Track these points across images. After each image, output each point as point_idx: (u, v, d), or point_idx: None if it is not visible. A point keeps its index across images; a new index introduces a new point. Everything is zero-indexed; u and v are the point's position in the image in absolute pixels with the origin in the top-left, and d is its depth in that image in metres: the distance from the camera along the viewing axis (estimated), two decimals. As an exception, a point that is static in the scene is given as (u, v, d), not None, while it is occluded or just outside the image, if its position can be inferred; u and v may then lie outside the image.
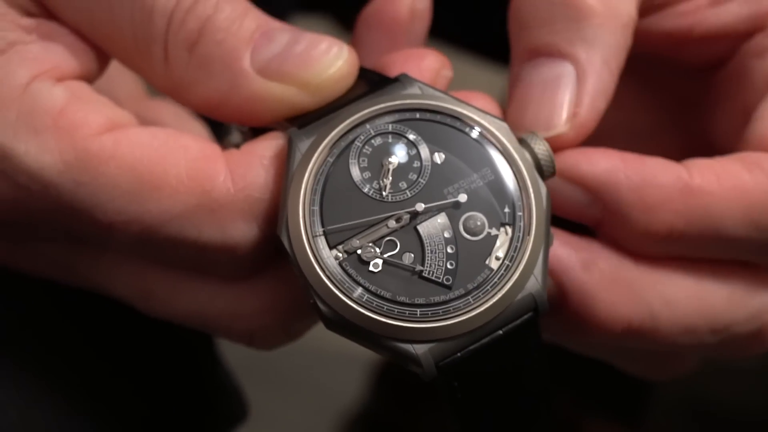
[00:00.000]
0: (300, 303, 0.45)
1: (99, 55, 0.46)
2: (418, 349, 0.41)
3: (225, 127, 0.50)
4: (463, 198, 0.42)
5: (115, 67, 0.50)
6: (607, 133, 0.58)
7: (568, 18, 0.46)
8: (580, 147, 0.46)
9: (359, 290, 0.41)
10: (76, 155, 0.42)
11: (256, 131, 0.46)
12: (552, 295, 0.46)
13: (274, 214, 0.42)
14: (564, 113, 0.46)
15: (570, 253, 0.46)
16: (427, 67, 0.46)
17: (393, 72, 0.45)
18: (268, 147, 0.43)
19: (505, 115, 0.47)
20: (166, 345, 0.56)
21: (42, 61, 0.43)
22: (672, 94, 0.56)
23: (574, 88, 0.46)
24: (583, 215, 0.46)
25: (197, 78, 0.44)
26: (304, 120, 0.43)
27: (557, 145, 0.46)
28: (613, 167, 0.45)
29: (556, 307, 0.46)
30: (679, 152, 0.55)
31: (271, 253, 0.44)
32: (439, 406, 0.45)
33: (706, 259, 0.47)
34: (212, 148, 0.43)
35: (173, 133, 0.43)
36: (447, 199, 0.42)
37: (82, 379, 0.52)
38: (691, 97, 0.55)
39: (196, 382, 0.58)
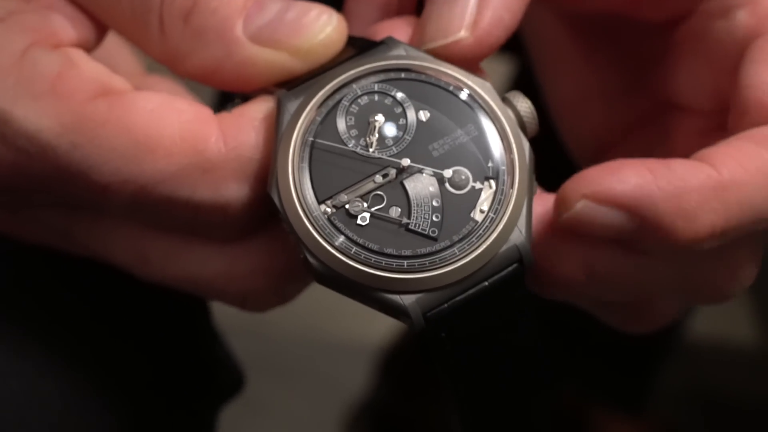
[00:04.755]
0: (292, 264, 0.46)
1: (96, 25, 0.47)
2: (406, 300, 0.42)
3: (223, 104, 0.51)
4: (448, 174, 0.43)
5: (114, 45, 0.51)
6: (581, 96, 0.59)
7: None
8: (604, 163, 0.45)
9: (347, 243, 0.42)
10: (72, 118, 0.43)
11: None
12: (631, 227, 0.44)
13: (266, 173, 0.43)
14: (463, 21, 0.45)
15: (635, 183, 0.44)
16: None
17: (380, 38, 0.46)
18: (258, 109, 0.44)
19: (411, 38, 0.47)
20: (165, 316, 0.57)
21: (40, 29, 0.45)
22: (635, 54, 0.57)
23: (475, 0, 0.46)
24: (623, 235, 0.45)
25: (192, 47, 0.45)
26: (294, 83, 0.45)
27: (458, 52, 0.45)
28: (644, 181, 0.44)
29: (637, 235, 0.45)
30: (648, 111, 0.56)
31: (263, 214, 0.45)
32: (445, 397, 0.46)
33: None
34: (205, 111, 0.44)
35: (167, 97, 0.44)
36: (432, 154, 0.43)
37: (86, 349, 0.53)
38: (652, 55, 0.55)
39: (194, 352, 0.59)
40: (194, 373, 0.59)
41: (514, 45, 0.94)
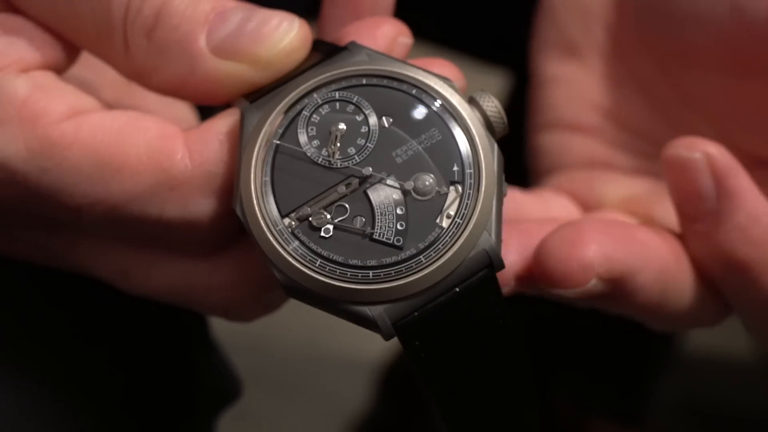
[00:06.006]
0: (270, 274, 0.46)
1: (67, 46, 0.47)
2: (374, 311, 0.41)
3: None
4: (409, 185, 0.42)
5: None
6: None
7: None
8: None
9: (312, 256, 0.41)
10: (39, 143, 0.43)
11: None
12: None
13: (232, 187, 0.43)
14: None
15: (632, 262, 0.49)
16: (382, 35, 0.46)
17: (346, 42, 0.46)
18: (223, 123, 0.44)
19: None
20: (158, 327, 0.58)
21: (6, 55, 0.45)
22: None
23: None
24: (692, 201, 0.49)
25: (157, 63, 0.45)
26: (257, 94, 0.44)
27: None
28: (749, 187, 0.48)
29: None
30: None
31: (235, 226, 0.45)
32: (428, 405, 0.46)
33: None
34: (171, 128, 0.44)
35: (134, 116, 0.44)
36: (396, 161, 0.43)
37: (62, 365, 0.53)
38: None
39: (188, 362, 0.59)
40: (190, 382, 0.59)
41: (508, 59, 0.93)
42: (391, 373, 1.29)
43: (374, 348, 1.32)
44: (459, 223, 0.42)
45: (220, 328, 0.63)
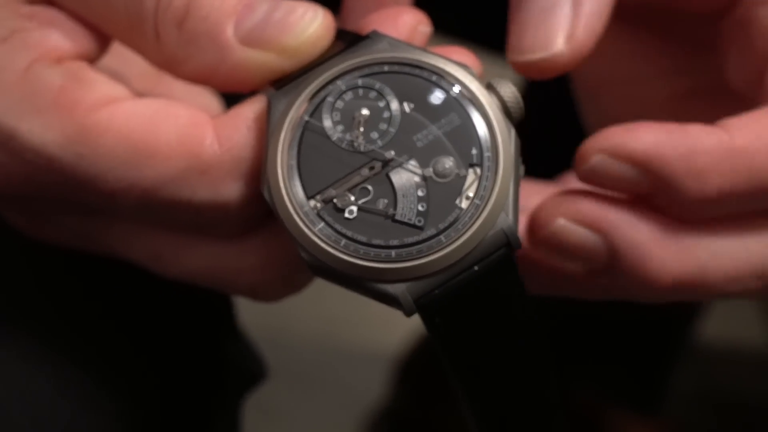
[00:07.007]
0: (297, 255, 0.48)
1: (98, 36, 0.49)
2: (396, 289, 0.43)
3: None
4: (428, 172, 0.44)
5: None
6: (622, 80, 0.60)
7: None
8: (624, 124, 0.48)
9: (336, 236, 0.43)
10: (75, 130, 0.45)
11: None
12: (602, 254, 0.48)
13: (259, 171, 0.45)
14: (561, 34, 0.48)
15: (618, 213, 0.48)
16: (403, 24, 0.48)
17: (368, 31, 0.47)
18: (251, 109, 0.46)
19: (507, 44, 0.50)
20: (184, 311, 0.59)
21: (42, 45, 0.47)
22: (681, 41, 0.58)
23: (570, 10, 0.49)
24: (634, 190, 0.48)
25: (187, 53, 0.47)
26: (283, 81, 0.46)
27: (556, 67, 0.48)
28: (659, 140, 0.47)
29: (607, 265, 0.49)
30: (691, 95, 0.58)
31: (263, 209, 0.46)
32: (451, 384, 0.48)
33: (750, 212, 0.49)
34: (201, 115, 0.46)
35: (164, 103, 0.46)
36: (417, 145, 0.44)
37: (91, 346, 0.55)
38: (699, 43, 0.57)
39: (216, 346, 0.61)
40: (218, 362, 0.61)
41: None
42: (409, 365, 1.30)
43: (392, 340, 1.33)
44: (478, 204, 0.44)
45: (240, 320, 0.64)
